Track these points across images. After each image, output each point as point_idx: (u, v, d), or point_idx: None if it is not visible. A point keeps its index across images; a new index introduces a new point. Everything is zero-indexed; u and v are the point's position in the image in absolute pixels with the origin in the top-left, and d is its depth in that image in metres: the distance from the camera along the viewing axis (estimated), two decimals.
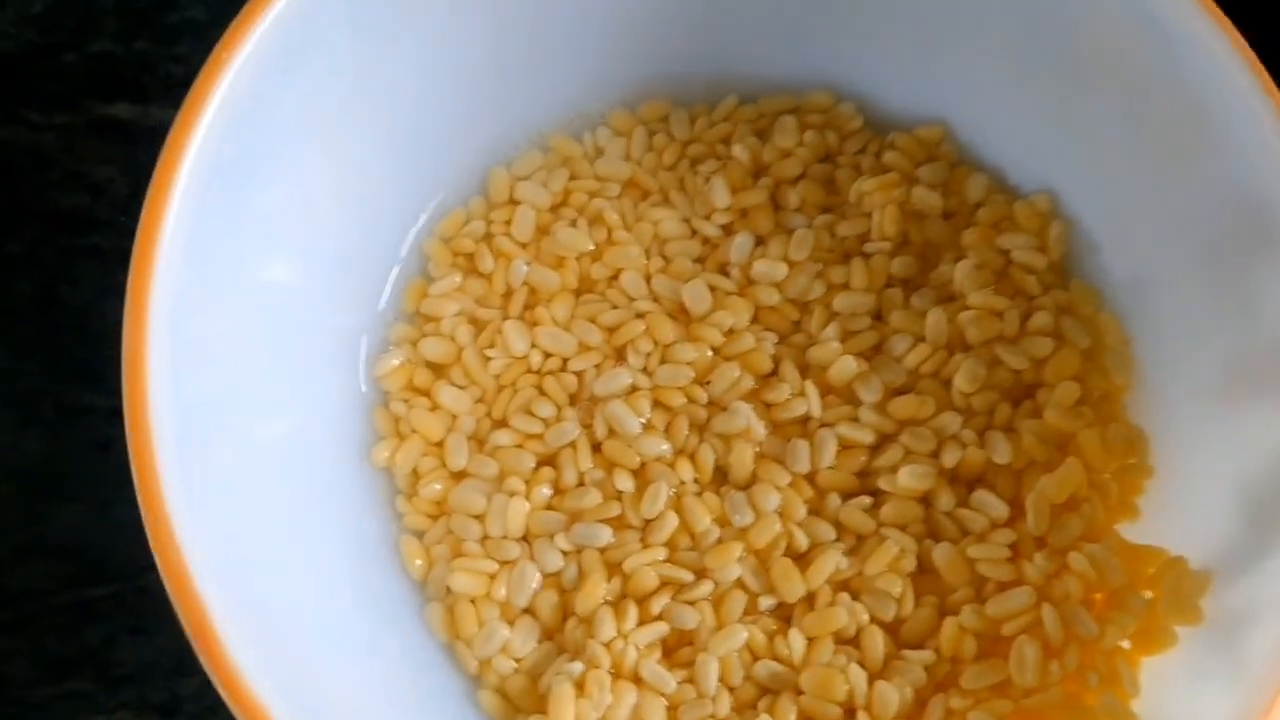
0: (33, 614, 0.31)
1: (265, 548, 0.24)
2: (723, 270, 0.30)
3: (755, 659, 0.27)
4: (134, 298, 0.22)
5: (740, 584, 0.27)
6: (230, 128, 0.24)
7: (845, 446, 0.28)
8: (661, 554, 0.27)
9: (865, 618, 0.27)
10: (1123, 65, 0.27)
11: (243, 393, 0.25)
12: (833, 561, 0.27)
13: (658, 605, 0.27)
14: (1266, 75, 0.25)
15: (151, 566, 0.28)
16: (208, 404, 0.24)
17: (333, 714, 0.24)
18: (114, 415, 0.31)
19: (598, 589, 0.27)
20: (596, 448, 0.29)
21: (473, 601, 0.27)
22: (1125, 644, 0.25)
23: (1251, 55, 0.25)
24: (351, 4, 0.25)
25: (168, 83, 0.35)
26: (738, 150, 0.31)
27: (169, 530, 0.22)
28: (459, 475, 0.29)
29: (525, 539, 0.28)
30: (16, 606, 0.31)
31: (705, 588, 0.27)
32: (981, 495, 0.27)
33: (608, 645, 0.27)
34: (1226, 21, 0.25)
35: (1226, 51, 0.25)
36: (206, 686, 0.28)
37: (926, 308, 0.29)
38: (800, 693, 0.26)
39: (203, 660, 0.22)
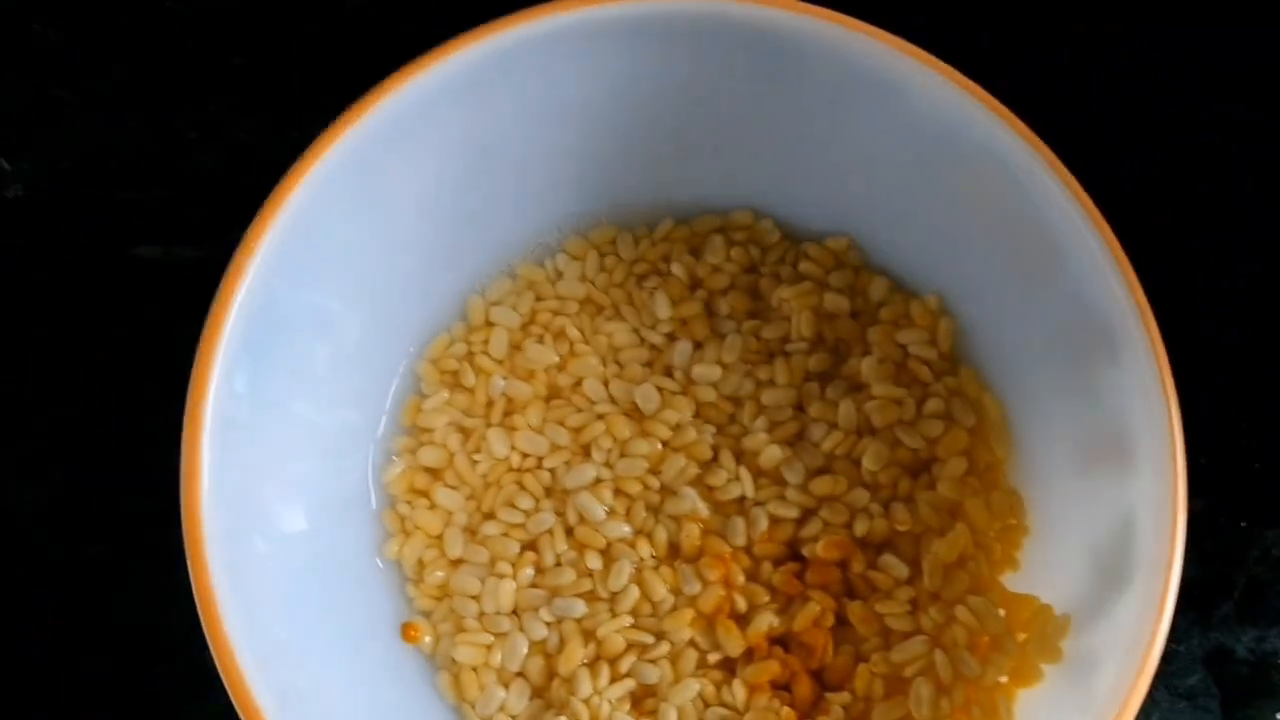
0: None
1: (298, 631, 0.30)
2: (668, 373, 0.36)
3: (707, 706, 0.32)
4: (189, 428, 0.28)
5: (692, 643, 0.33)
6: (263, 289, 0.30)
7: (775, 521, 0.34)
8: (627, 621, 0.33)
9: (795, 666, 0.32)
10: (990, 200, 0.32)
11: (275, 503, 0.31)
12: (767, 620, 0.33)
13: (626, 664, 0.33)
14: (1098, 213, 0.30)
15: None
16: (247, 514, 0.30)
17: None
18: (160, 518, 0.37)
19: (576, 653, 0.33)
20: (569, 533, 0.34)
21: (474, 669, 0.33)
22: (1003, 679, 0.31)
23: (1085, 197, 0.31)
24: (354, 186, 0.31)
25: (185, 224, 0.40)
26: (675, 267, 0.36)
27: (218, 620, 0.28)
28: (457, 562, 0.34)
29: (515, 613, 0.34)
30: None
31: (664, 648, 0.33)
32: (887, 558, 0.33)
33: (586, 701, 0.32)
34: (1066, 172, 0.31)
35: (1066, 195, 0.31)
36: None
37: (839, 398, 0.35)
38: None
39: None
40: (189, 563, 0.28)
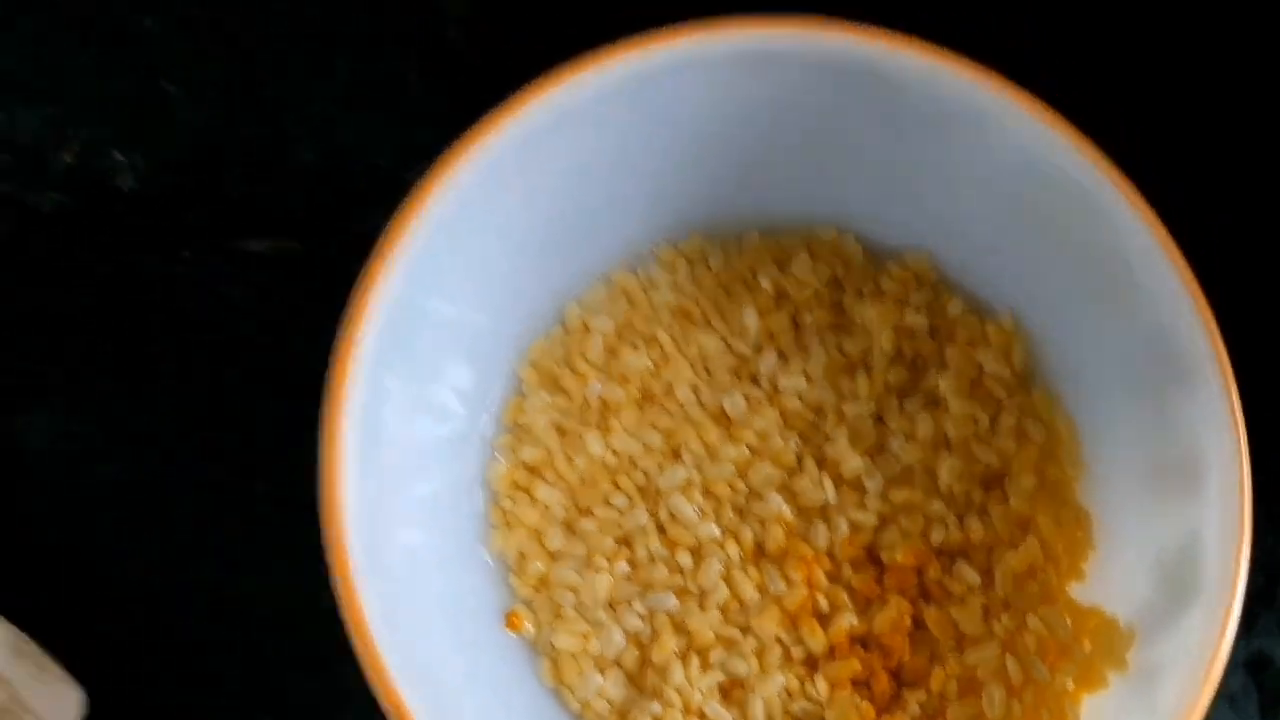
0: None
1: (417, 615, 0.33)
2: (755, 382, 0.38)
3: (791, 699, 0.35)
4: (328, 434, 0.31)
5: (778, 639, 0.35)
6: (395, 297, 0.32)
7: (855, 527, 0.36)
8: (716, 616, 0.36)
9: (874, 664, 0.35)
10: (1070, 230, 0.34)
11: (397, 498, 0.33)
12: (847, 620, 0.35)
13: (715, 657, 0.35)
14: (1178, 252, 0.32)
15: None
16: (378, 509, 0.32)
17: None
18: (274, 501, 0.39)
19: (668, 644, 0.35)
20: (661, 530, 0.36)
21: (573, 656, 0.36)
22: (1070, 685, 0.34)
23: (1167, 235, 0.33)
24: (478, 199, 0.33)
25: (290, 219, 0.42)
26: (763, 280, 0.38)
27: (358, 605, 0.30)
28: (556, 555, 0.37)
29: (610, 605, 0.36)
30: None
31: (751, 643, 0.35)
32: (961, 566, 0.35)
33: (678, 689, 0.35)
34: (1149, 211, 0.33)
35: (1149, 233, 0.32)
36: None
37: (917, 412, 0.37)
38: None
39: (379, 699, 0.30)
40: (331, 562, 0.30)
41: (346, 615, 0.30)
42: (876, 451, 0.37)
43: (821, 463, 0.37)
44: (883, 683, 0.35)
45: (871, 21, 0.34)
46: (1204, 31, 0.45)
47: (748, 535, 0.36)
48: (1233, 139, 0.45)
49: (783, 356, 0.38)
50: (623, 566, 0.36)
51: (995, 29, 0.44)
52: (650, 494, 0.37)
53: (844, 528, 0.36)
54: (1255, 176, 0.44)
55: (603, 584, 0.36)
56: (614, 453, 0.37)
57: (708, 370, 0.38)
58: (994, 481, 0.36)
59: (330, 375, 0.31)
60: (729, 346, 0.38)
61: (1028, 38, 0.45)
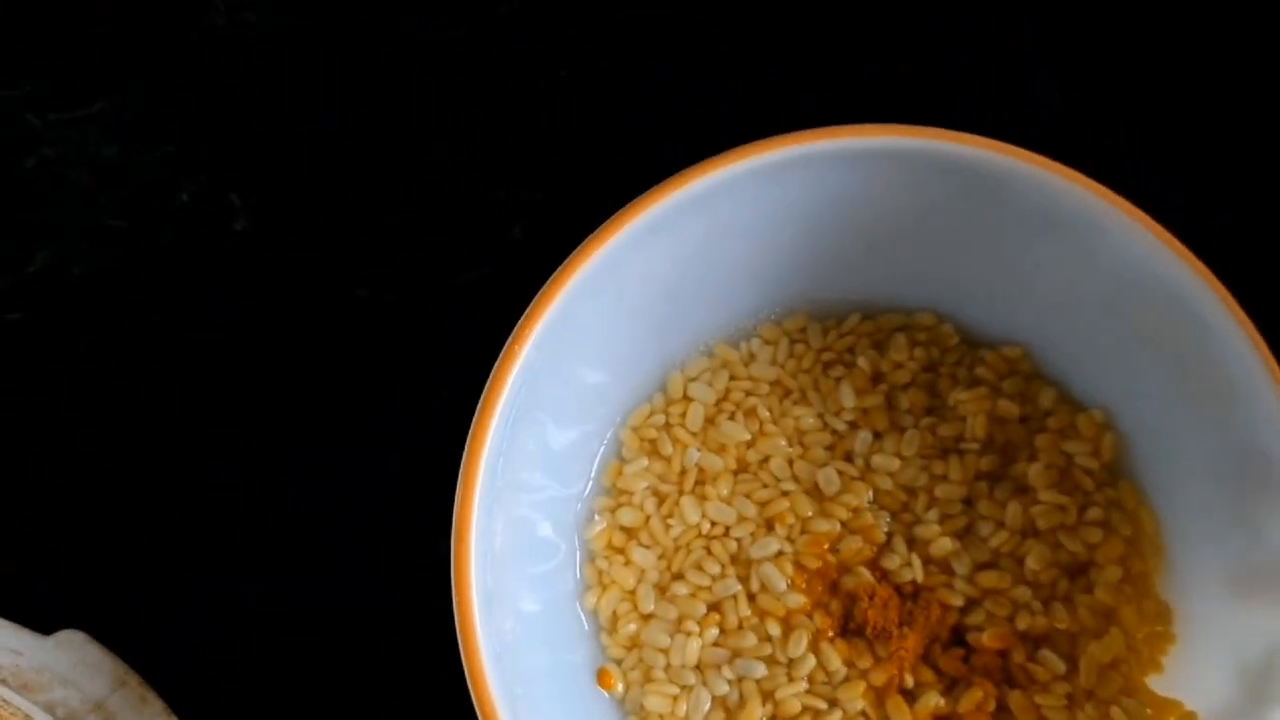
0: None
1: (523, 661, 0.34)
2: (848, 458, 0.39)
3: None
4: (460, 511, 0.32)
5: (863, 713, 0.36)
6: (526, 373, 0.34)
7: (943, 608, 0.37)
8: (803, 686, 0.37)
9: None
10: (1168, 338, 0.35)
11: (509, 559, 0.35)
12: (933, 699, 0.36)
13: None
14: (1274, 363, 0.34)
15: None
16: (494, 573, 0.33)
17: None
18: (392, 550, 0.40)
19: (755, 711, 0.36)
20: (752, 599, 0.38)
21: (661, 717, 0.37)
22: None
23: (1265, 348, 0.34)
24: (603, 281, 0.35)
25: (391, 272, 0.44)
26: (861, 360, 0.40)
27: (478, 655, 0.32)
28: (648, 617, 0.38)
29: (699, 669, 0.37)
30: None
31: (836, 715, 0.36)
32: (1045, 653, 0.36)
33: None
34: (1248, 321, 0.34)
35: (1247, 344, 0.34)
36: None
37: (1006, 499, 0.38)
38: None
39: None
40: (457, 622, 0.31)
41: (468, 667, 0.32)
42: (965, 534, 0.38)
43: (911, 542, 0.38)
44: None
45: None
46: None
47: (836, 608, 0.37)
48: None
49: (877, 436, 0.39)
50: (713, 632, 0.37)
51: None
52: (742, 562, 0.38)
53: (932, 607, 0.37)
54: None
55: (693, 648, 0.37)
56: (709, 520, 0.38)
57: (803, 445, 0.39)
58: (1079, 570, 0.37)
59: (470, 440, 0.33)
60: (825, 423, 0.39)
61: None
